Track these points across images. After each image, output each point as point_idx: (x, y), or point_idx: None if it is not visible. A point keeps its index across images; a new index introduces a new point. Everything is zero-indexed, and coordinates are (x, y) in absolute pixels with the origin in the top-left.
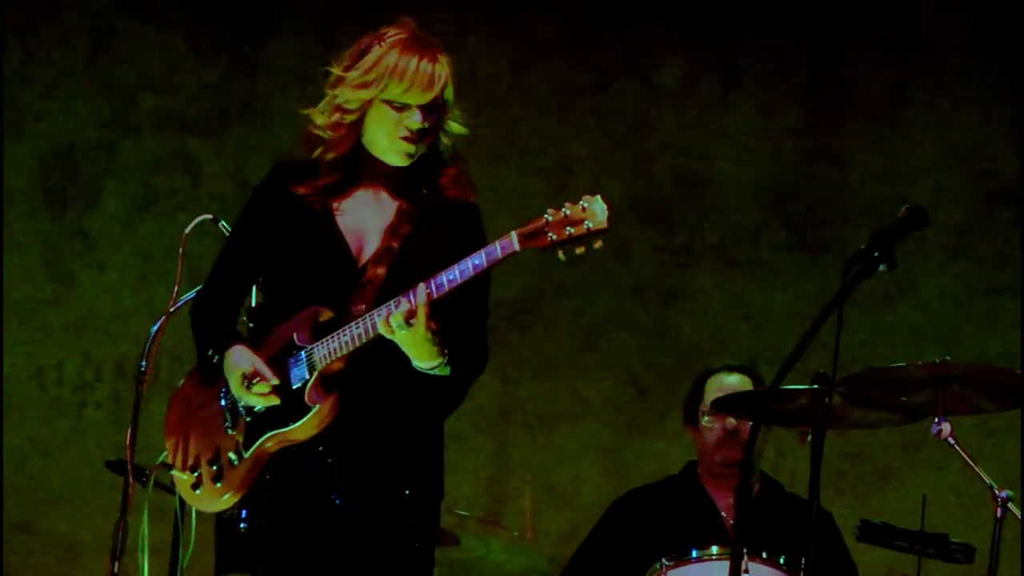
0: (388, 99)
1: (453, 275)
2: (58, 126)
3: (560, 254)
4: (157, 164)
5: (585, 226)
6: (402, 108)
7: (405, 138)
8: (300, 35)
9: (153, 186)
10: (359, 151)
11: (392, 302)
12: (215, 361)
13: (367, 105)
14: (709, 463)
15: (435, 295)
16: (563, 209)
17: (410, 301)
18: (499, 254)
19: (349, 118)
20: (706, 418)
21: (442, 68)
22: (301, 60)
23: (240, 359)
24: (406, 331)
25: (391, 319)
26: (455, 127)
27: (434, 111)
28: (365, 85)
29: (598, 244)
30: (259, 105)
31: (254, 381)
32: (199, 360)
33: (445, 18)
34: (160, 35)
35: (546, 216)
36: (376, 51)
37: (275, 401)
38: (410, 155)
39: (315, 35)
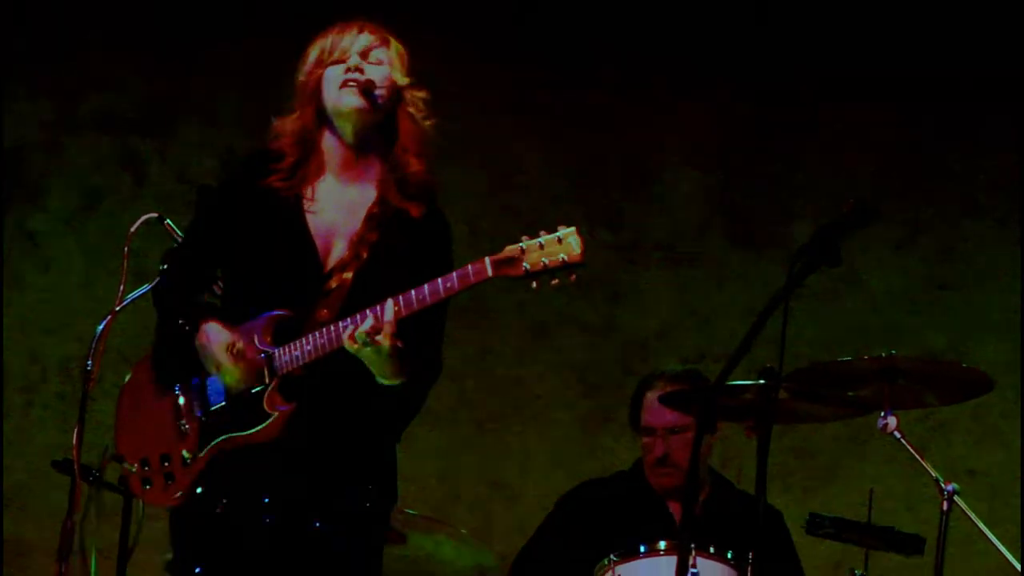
0: (328, 62)
1: (422, 294)
2: (2, 126)
3: (533, 284)
4: (102, 163)
5: (560, 258)
6: (339, 61)
7: (348, 81)
8: (246, 34)
9: (98, 185)
10: (317, 134)
11: (357, 315)
12: (186, 330)
13: (313, 82)
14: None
15: (403, 313)
16: (538, 239)
17: (377, 317)
18: (471, 278)
19: (302, 94)
20: (642, 439)
21: (366, 33)
22: (246, 59)
23: (220, 333)
24: (371, 348)
25: (356, 335)
26: (406, 80)
27: (373, 63)
28: (304, 62)
29: (572, 278)
30: (204, 104)
31: (240, 350)
32: (158, 347)
33: (395, 17)
34: (104, 34)
35: (521, 245)
36: None
37: (253, 383)
38: (356, 98)
39: (261, 34)
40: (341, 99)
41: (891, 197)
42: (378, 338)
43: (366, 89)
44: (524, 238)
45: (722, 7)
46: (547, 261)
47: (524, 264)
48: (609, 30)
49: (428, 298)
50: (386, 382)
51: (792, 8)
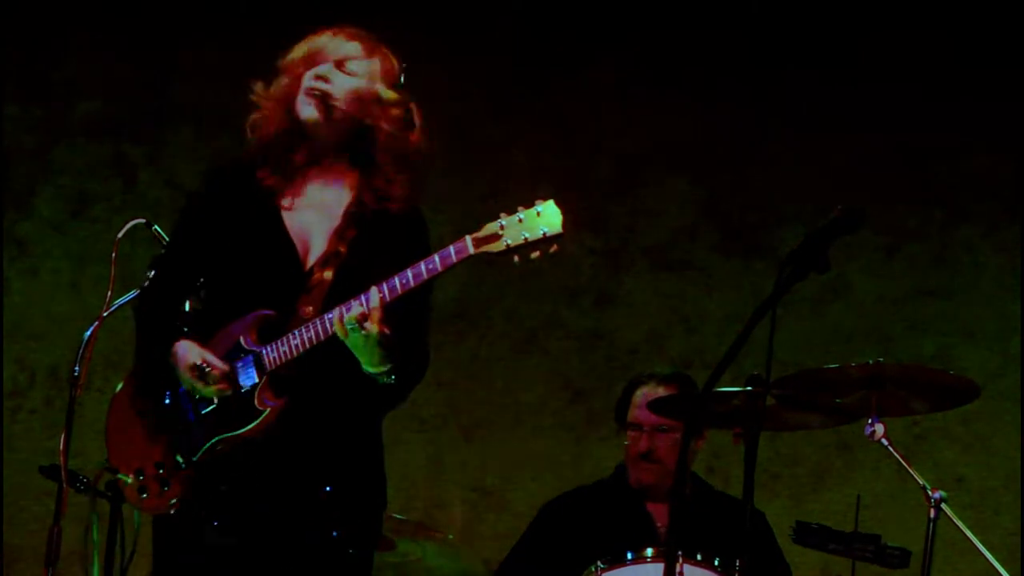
0: (310, 64)
1: (405, 278)
2: (1, 131)
3: (515, 258)
4: (91, 169)
5: (540, 231)
6: (316, 65)
7: (310, 90)
8: (236, 39)
9: (86, 191)
10: (296, 131)
11: (343, 305)
12: (161, 352)
13: (293, 82)
14: (630, 474)
15: (387, 298)
16: (517, 213)
17: (363, 304)
18: (453, 258)
19: (279, 92)
20: (627, 434)
21: (354, 42)
22: (236, 65)
23: (187, 352)
24: (359, 334)
25: (344, 320)
26: (387, 93)
27: (346, 73)
28: (291, 60)
29: (553, 249)
30: (193, 110)
31: (206, 370)
32: (139, 360)
33: (381, 19)
34: (94, 39)
35: (501, 220)
36: None
37: (227, 392)
38: (312, 109)
39: (251, 40)
40: (300, 107)
41: (879, 203)
42: (367, 325)
43: (322, 101)
44: (503, 214)
45: (710, 11)
46: (528, 235)
47: (505, 240)
48: (596, 34)
49: (412, 281)
50: (373, 371)
51: (780, 13)
